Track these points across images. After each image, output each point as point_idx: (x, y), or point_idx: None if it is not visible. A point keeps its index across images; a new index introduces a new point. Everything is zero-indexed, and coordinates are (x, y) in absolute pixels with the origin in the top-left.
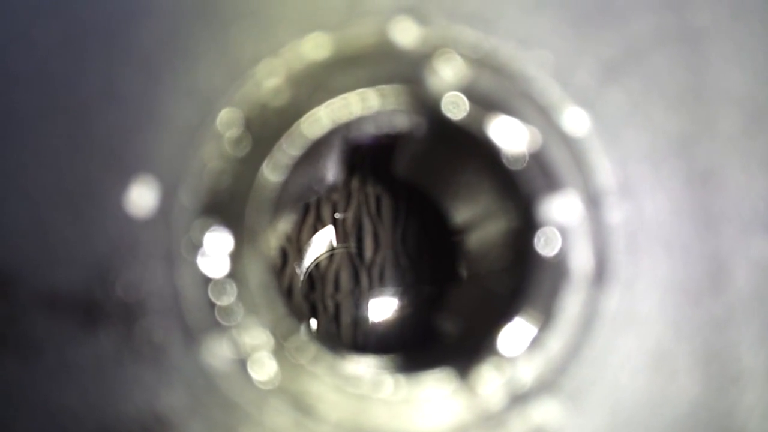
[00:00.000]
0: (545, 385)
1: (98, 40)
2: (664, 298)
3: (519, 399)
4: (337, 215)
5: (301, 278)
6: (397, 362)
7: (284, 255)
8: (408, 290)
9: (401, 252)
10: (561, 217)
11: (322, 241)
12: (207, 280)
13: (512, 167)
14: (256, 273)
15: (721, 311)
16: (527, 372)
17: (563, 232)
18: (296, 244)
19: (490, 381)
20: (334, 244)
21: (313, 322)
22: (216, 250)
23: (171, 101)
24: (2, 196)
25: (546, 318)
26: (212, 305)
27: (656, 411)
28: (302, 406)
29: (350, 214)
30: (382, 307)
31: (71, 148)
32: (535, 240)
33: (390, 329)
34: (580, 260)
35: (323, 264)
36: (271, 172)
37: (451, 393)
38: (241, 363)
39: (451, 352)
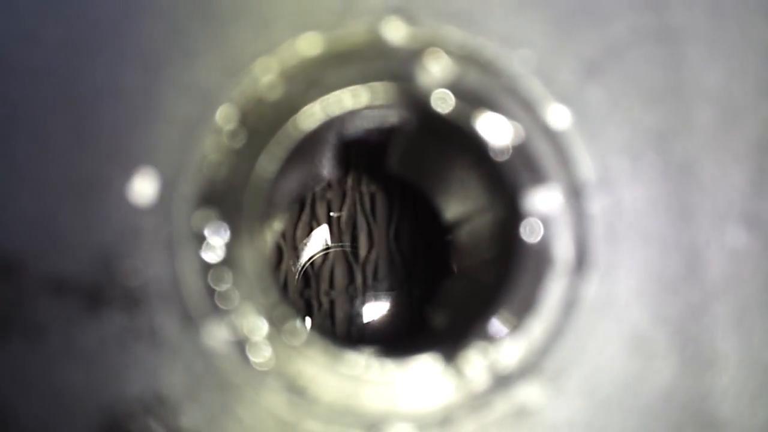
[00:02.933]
0: (528, 368)
1: (102, 38)
2: (641, 285)
3: (503, 380)
4: (332, 214)
5: (296, 276)
6: (389, 350)
7: (279, 253)
8: (401, 286)
9: (395, 249)
10: (544, 208)
11: (317, 239)
12: (206, 267)
13: (497, 159)
14: (252, 261)
15: (696, 298)
16: (511, 355)
17: (546, 221)
18: (291, 242)
19: (476, 364)
20: (329, 242)
21: (308, 319)
22: (214, 238)
23: (171, 96)
24: (11, 186)
25: (529, 304)
26: (211, 291)
27: (634, 393)
28: (296, 387)
29: (345, 213)
30: (376, 304)
31: (76, 141)
32: (521, 229)
33: (384, 325)
34: (562, 249)
35: (318, 262)
36: (267, 164)
37: (439, 375)
38: (239, 345)
39: (440, 340)
